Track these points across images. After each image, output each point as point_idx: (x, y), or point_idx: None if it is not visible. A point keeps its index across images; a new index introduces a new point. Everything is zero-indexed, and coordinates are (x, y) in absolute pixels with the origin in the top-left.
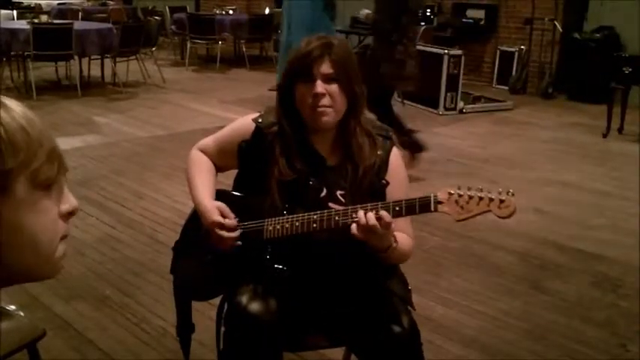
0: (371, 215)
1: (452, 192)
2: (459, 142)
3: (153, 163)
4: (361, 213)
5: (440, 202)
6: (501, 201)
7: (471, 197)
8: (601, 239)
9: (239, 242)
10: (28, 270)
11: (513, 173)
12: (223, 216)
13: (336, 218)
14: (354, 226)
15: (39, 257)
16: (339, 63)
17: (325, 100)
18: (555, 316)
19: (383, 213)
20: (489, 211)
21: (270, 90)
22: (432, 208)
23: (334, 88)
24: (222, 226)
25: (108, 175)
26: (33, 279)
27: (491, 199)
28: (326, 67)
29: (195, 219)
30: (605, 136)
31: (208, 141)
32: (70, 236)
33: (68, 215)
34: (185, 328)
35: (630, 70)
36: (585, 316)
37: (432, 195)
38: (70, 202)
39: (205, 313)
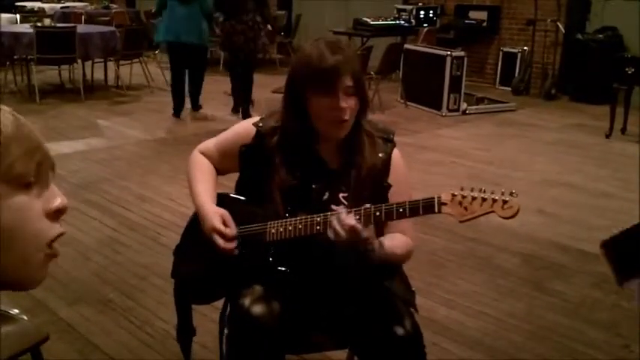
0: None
1: (455, 193)
2: (463, 143)
3: (156, 166)
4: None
5: (443, 204)
6: (504, 202)
7: (474, 198)
8: None
9: (236, 251)
10: (9, 272)
11: (517, 174)
12: (225, 224)
13: None
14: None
15: (19, 257)
16: (357, 76)
17: (346, 115)
18: (559, 318)
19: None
20: (493, 212)
21: (273, 92)
22: (436, 210)
23: (353, 101)
24: (222, 234)
25: (111, 178)
26: (16, 281)
27: (494, 200)
28: (347, 81)
29: (196, 223)
30: (608, 136)
31: (209, 144)
32: (74, 240)
33: (56, 213)
34: (186, 332)
35: (633, 70)
36: (588, 317)
37: (435, 196)
38: (57, 199)
39: (208, 315)
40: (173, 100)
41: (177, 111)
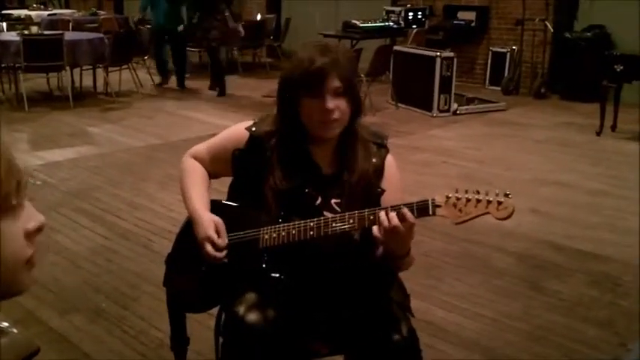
0: (393, 215)
1: (450, 195)
2: (454, 143)
3: (148, 173)
4: (382, 214)
5: (438, 206)
6: (499, 203)
7: (468, 200)
8: (598, 238)
9: (225, 260)
10: None
11: (509, 174)
12: (218, 233)
13: (333, 225)
14: (375, 228)
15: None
16: (346, 77)
17: (335, 115)
18: (555, 317)
19: (407, 213)
20: (487, 213)
21: (264, 96)
22: (430, 212)
23: (342, 102)
24: (213, 244)
25: (102, 185)
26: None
27: (489, 202)
28: (335, 83)
29: (189, 230)
30: (598, 134)
31: (201, 148)
32: (65, 248)
33: (35, 233)
34: (179, 341)
35: (621, 68)
36: (585, 316)
37: (429, 199)
38: (35, 219)
39: (203, 323)
40: (158, 70)
41: (164, 78)
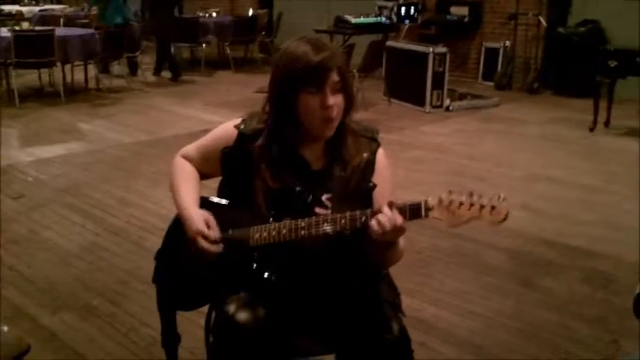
0: (399, 216)
1: (443, 198)
2: (446, 139)
3: (139, 169)
4: (374, 222)
5: (430, 209)
6: (493, 207)
7: (462, 203)
8: (591, 234)
9: (220, 250)
10: None
11: (501, 170)
12: (209, 227)
13: (325, 225)
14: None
15: None
16: (343, 72)
17: (335, 111)
18: (547, 314)
19: (398, 219)
20: (481, 217)
21: (256, 92)
22: (423, 215)
23: (339, 98)
24: (205, 237)
25: (93, 182)
26: None
27: (482, 206)
28: (335, 77)
29: (178, 226)
30: (592, 130)
31: (191, 148)
32: (55, 245)
33: None
34: (170, 339)
35: (616, 63)
36: (577, 313)
37: (422, 201)
38: None
39: (195, 321)
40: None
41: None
